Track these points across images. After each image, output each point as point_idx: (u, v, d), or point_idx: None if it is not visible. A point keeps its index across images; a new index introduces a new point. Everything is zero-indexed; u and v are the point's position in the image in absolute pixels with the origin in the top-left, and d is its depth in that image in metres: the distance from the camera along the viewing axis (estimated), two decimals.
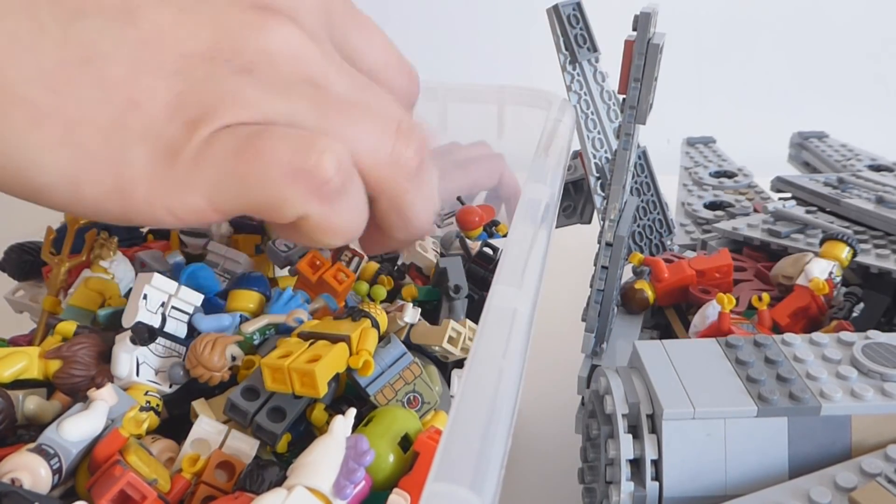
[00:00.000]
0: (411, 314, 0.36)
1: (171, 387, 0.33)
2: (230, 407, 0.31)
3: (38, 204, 0.29)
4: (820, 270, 0.44)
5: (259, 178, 0.27)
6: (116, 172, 0.27)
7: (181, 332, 0.35)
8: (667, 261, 0.48)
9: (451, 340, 0.34)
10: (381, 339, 0.34)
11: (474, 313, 0.42)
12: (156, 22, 0.27)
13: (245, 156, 0.27)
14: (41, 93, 0.26)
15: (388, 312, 0.35)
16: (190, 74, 0.27)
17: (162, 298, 0.34)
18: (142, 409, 0.31)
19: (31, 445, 0.27)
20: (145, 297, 0.33)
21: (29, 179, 0.27)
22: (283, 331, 0.36)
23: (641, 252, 0.54)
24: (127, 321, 0.33)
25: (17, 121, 0.26)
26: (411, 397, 0.32)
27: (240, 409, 0.31)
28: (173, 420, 0.33)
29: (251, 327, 0.35)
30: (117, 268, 0.39)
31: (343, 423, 0.28)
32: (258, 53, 0.28)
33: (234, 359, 0.33)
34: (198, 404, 0.32)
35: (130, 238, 0.47)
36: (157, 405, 0.32)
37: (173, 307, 0.34)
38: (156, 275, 0.34)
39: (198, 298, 0.35)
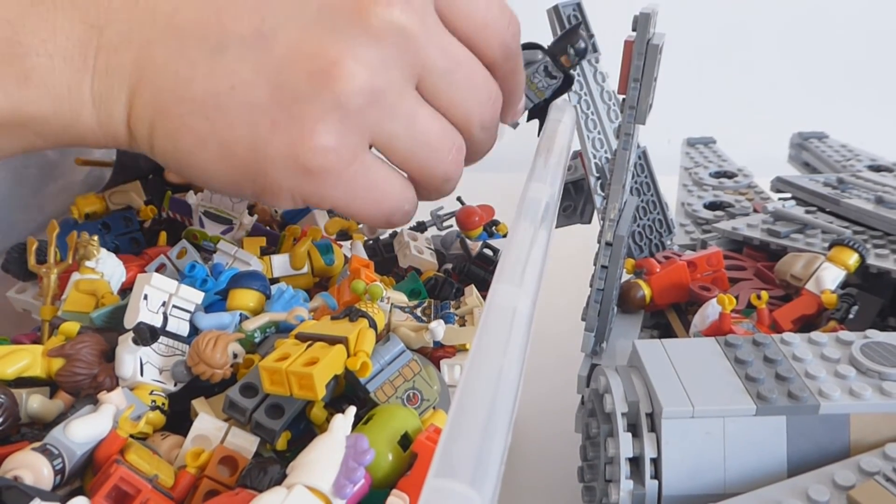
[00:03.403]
0: (439, 331, 0.35)
1: (175, 385, 0.33)
2: (229, 404, 0.31)
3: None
4: (832, 280, 0.44)
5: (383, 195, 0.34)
6: (265, 182, 0.32)
7: (183, 330, 0.35)
8: (664, 258, 0.49)
9: None
10: (378, 337, 0.34)
11: None
12: (287, 43, 0.31)
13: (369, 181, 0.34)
14: (198, 120, 0.31)
15: (415, 331, 0.36)
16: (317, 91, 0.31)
17: (163, 298, 0.34)
18: (147, 409, 0.31)
19: (36, 445, 0.27)
20: (146, 297, 0.34)
21: (206, 183, 0.35)
22: (284, 329, 0.36)
23: (641, 251, 0.54)
24: (129, 322, 0.33)
25: (187, 144, 0.32)
26: (411, 394, 0.32)
27: (238, 407, 0.31)
28: (175, 417, 0.33)
29: (252, 325, 0.35)
30: (104, 265, 0.39)
31: (343, 421, 0.28)
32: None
33: (235, 356, 0.33)
34: (197, 403, 0.33)
35: (127, 231, 0.47)
36: (163, 404, 0.32)
37: (174, 306, 0.35)
38: (155, 274, 0.34)
39: (198, 296, 0.35)
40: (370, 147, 0.34)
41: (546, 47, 0.42)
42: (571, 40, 0.41)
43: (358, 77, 0.31)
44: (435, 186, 0.37)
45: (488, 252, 0.49)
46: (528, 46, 0.42)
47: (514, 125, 0.44)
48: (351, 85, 0.31)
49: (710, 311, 0.42)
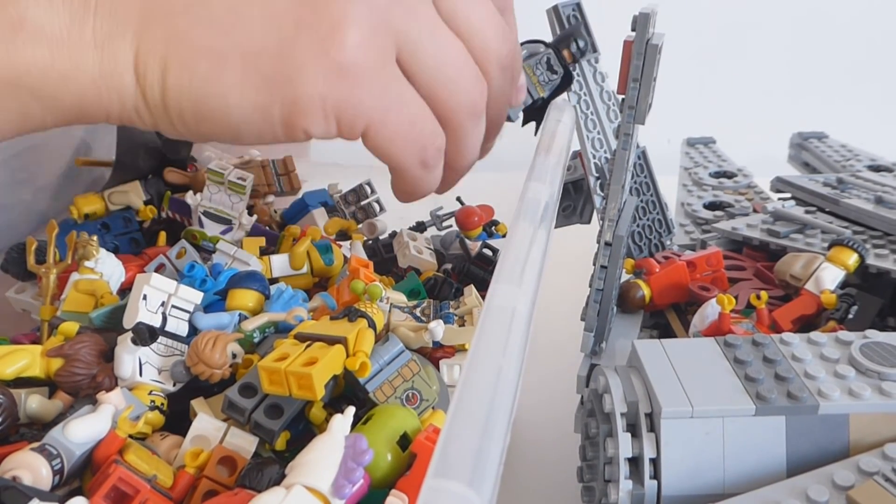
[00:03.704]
0: (438, 331, 0.35)
1: (174, 385, 0.33)
2: (228, 405, 0.31)
3: (239, 144, 0.33)
4: (831, 280, 0.44)
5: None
6: (295, 93, 0.29)
7: (182, 330, 0.35)
8: (664, 258, 0.49)
9: None
10: (378, 337, 0.34)
11: None
12: None
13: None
14: (217, 38, 0.28)
15: (414, 331, 0.35)
16: None
17: (162, 298, 0.34)
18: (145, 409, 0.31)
19: (35, 445, 0.27)
20: (145, 297, 0.34)
21: (226, 122, 0.30)
22: (283, 329, 0.36)
23: (641, 252, 0.54)
24: (128, 322, 0.33)
25: (204, 69, 0.29)
26: (410, 394, 0.32)
27: (237, 407, 0.31)
28: (174, 416, 0.33)
29: (251, 325, 0.35)
30: (104, 265, 0.39)
31: (342, 421, 0.28)
32: None
33: (234, 356, 0.33)
34: (196, 403, 0.33)
35: (127, 231, 0.47)
36: (162, 404, 0.32)
37: (173, 306, 0.35)
38: (154, 275, 0.34)
39: (197, 296, 0.35)
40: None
41: (548, 42, 0.42)
42: (575, 35, 0.41)
43: None
44: (461, 121, 0.34)
45: (488, 252, 0.49)
46: (531, 42, 0.42)
47: (516, 116, 0.43)
48: None
49: (710, 311, 0.42)
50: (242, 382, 0.32)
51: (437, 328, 0.35)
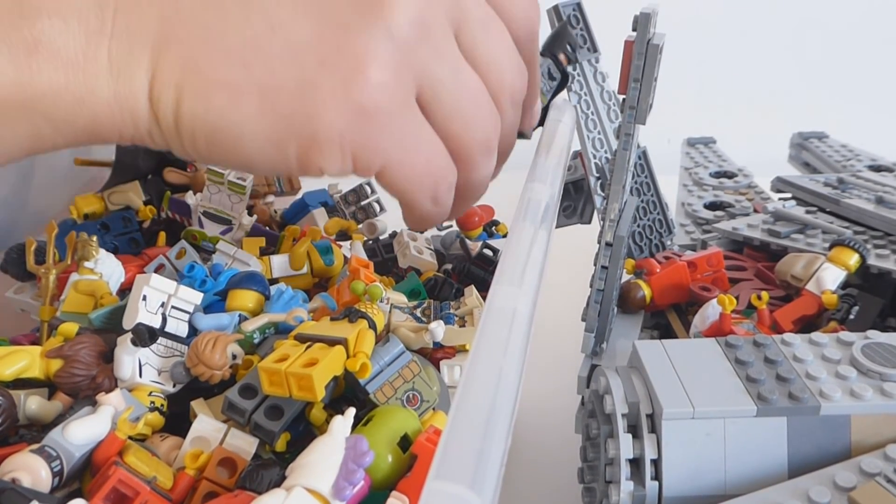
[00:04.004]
0: (439, 331, 0.35)
1: (174, 386, 0.33)
2: (228, 406, 0.31)
3: (252, 173, 0.34)
4: (832, 281, 0.43)
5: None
6: (313, 130, 0.29)
7: (182, 331, 0.35)
8: (664, 258, 0.48)
9: None
10: (378, 338, 0.34)
11: None
12: None
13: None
14: (235, 71, 0.28)
15: (414, 332, 0.35)
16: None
17: (161, 299, 0.34)
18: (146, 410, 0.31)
19: (35, 447, 0.27)
20: (145, 298, 0.33)
21: (239, 152, 0.29)
22: (283, 330, 0.36)
23: (641, 252, 0.54)
24: (127, 323, 0.33)
25: (221, 101, 0.28)
26: (410, 395, 0.32)
27: (238, 408, 0.31)
28: (174, 417, 0.33)
29: (251, 326, 0.35)
30: (103, 266, 0.39)
31: (342, 422, 0.28)
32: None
33: (234, 357, 0.33)
34: (196, 404, 0.33)
35: (126, 231, 0.47)
36: (162, 405, 0.32)
37: (173, 307, 0.35)
38: (154, 275, 0.34)
39: (197, 297, 0.35)
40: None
41: (541, 50, 0.42)
42: (565, 37, 0.41)
43: (409, 7, 0.29)
44: (474, 157, 0.34)
45: (488, 252, 0.48)
46: None
47: (530, 134, 0.43)
48: (402, 15, 0.29)
49: (711, 311, 0.42)
50: (242, 383, 0.31)
51: (438, 329, 0.34)
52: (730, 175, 0.65)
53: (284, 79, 0.28)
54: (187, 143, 0.29)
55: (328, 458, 0.26)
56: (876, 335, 0.36)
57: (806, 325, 0.43)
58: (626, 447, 0.33)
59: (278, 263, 0.44)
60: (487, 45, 0.32)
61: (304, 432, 0.32)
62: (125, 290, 0.38)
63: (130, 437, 0.29)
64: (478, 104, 0.33)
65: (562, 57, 0.41)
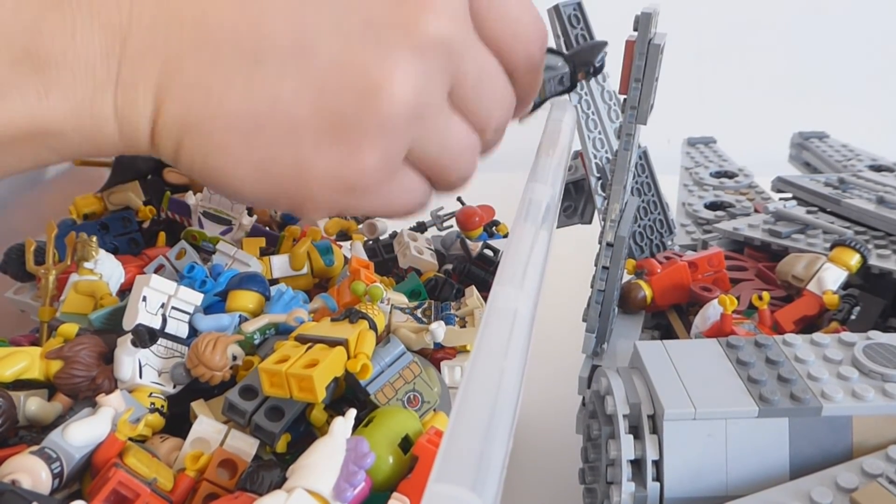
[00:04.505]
0: (440, 332, 0.35)
1: (174, 387, 0.33)
2: (228, 407, 0.31)
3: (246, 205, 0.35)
4: (833, 281, 0.43)
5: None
6: (303, 197, 0.31)
7: (182, 331, 0.35)
8: (665, 258, 0.48)
9: None
10: (379, 339, 0.34)
11: None
12: (330, 57, 0.29)
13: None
14: (234, 138, 0.29)
15: (415, 332, 0.35)
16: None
17: (161, 299, 0.34)
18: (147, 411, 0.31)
19: (34, 448, 0.27)
20: (144, 299, 0.33)
21: (233, 192, 0.32)
22: (284, 331, 0.36)
23: (642, 252, 0.54)
24: (127, 324, 0.33)
25: (219, 162, 0.30)
26: (411, 396, 0.32)
27: (238, 409, 0.31)
28: (174, 418, 0.33)
29: (252, 327, 0.35)
30: (103, 266, 0.39)
31: (343, 424, 0.28)
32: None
33: (234, 358, 0.33)
34: (197, 405, 0.32)
35: (126, 232, 0.47)
36: (162, 406, 0.32)
37: (173, 307, 0.34)
38: (154, 276, 0.34)
39: (197, 298, 0.35)
40: None
41: (567, 55, 0.42)
42: (593, 57, 0.41)
43: (405, 96, 0.30)
44: (450, 185, 0.36)
45: (489, 253, 0.48)
46: (550, 52, 0.41)
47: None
48: (398, 106, 0.30)
49: (712, 311, 0.42)
50: (243, 384, 0.31)
51: (439, 329, 0.35)
52: (730, 175, 0.65)
53: (281, 154, 0.30)
54: (185, 171, 0.31)
55: (329, 459, 0.26)
56: (877, 336, 0.36)
57: (807, 326, 0.43)
58: (627, 448, 0.33)
59: (278, 264, 0.44)
60: (476, 101, 0.34)
61: (304, 433, 0.32)
62: (125, 291, 0.38)
63: (130, 438, 0.29)
64: (459, 153, 0.34)
65: (580, 74, 0.41)
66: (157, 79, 0.28)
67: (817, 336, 0.37)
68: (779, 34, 0.97)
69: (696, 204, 0.60)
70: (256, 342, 0.35)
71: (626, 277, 0.46)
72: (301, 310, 0.36)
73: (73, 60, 0.27)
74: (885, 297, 0.45)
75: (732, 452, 0.32)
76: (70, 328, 0.34)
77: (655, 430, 0.33)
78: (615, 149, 0.39)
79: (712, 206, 0.59)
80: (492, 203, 0.54)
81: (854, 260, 0.44)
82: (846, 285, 0.45)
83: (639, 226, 0.54)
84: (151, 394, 0.32)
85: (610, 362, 0.41)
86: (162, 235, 0.47)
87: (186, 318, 0.35)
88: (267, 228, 0.51)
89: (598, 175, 0.50)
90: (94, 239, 0.39)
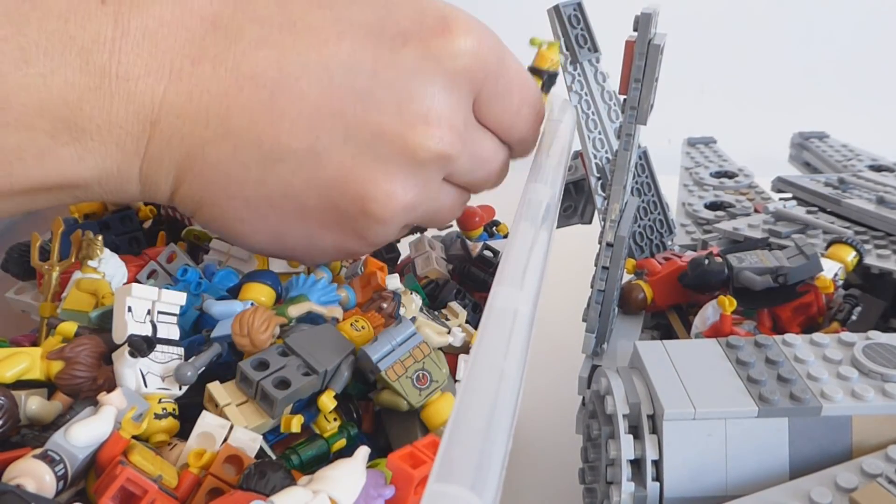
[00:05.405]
0: (458, 337, 0.38)
1: (180, 388, 0.33)
2: (240, 376, 0.32)
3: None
4: (826, 269, 0.43)
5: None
6: (312, 257, 0.37)
7: (174, 334, 0.34)
8: (665, 258, 0.48)
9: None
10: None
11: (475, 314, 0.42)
12: (338, 165, 0.33)
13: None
14: (249, 213, 0.34)
15: (437, 333, 0.37)
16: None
17: (146, 306, 0.34)
18: (157, 416, 0.31)
19: (37, 451, 0.27)
20: (130, 309, 0.33)
21: (254, 252, 0.40)
22: (312, 320, 0.37)
23: (642, 252, 0.54)
24: (118, 337, 0.33)
25: (234, 228, 0.35)
26: (420, 375, 0.33)
27: (248, 378, 0.31)
28: (183, 408, 0.32)
29: (296, 312, 0.36)
30: (107, 265, 0.39)
31: (365, 451, 0.28)
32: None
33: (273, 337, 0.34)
34: (213, 386, 0.32)
35: (127, 231, 0.47)
36: (174, 409, 0.32)
37: (160, 312, 0.34)
38: (134, 285, 0.34)
39: (181, 298, 0.35)
40: None
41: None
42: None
43: (400, 202, 0.34)
44: (439, 226, 0.42)
45: (489, 254, 0.48)
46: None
47: None
48: (392, 211, 0.34)
49: (711, 312, 0.42)
50: (257, 357, 0.32)
51: (459, 335, 0.38)
52: (730, 175, 0.65)
53: (292, 229, 0.34)
54: (204, 228, 0.38)
55: (351, 477, 0.27)
56: (877, 336, 0.36)
57: (808, 326, 0.43)
58: (627, 448, 0.33)
59: (277, 260, 0.44)
60: (469, 179, 0.38)
61: (314, 416, 0.33)
62: None
63: (137, 438, 0.29)
64: (447, 213, 0.39)
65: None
66: (181, 159, 0.32)
67: (817, 336, 0.37)
68: (779, 34, 0.97)
69: (696, 204, 0.60)
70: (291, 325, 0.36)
71: (626, 277, 0.46)
72: (338, 308, 0.37)
73: (107, 135, 0.30)
74: (885, 297, 0.45)
75: (732, 452, 0.32)
76: (69, 327, 0.34)
77: (655, 429, 0.33)
78: (615, 149, 0.39)
79: (712, 206, 0.59)
80: (492, 203, 0.54)
81: (850, 256, 0.44)
82: (846, 286, 0.45)
83: (639, 226, 0.54)
84: (161, 400, 0.32)
85: (610, 362, 0.41)
86: (162, 235, 0.47)
87: (174, 319, 0.35)
88: None
89: (598, 175, 0.50)
90: (100, 238, 0.39)
